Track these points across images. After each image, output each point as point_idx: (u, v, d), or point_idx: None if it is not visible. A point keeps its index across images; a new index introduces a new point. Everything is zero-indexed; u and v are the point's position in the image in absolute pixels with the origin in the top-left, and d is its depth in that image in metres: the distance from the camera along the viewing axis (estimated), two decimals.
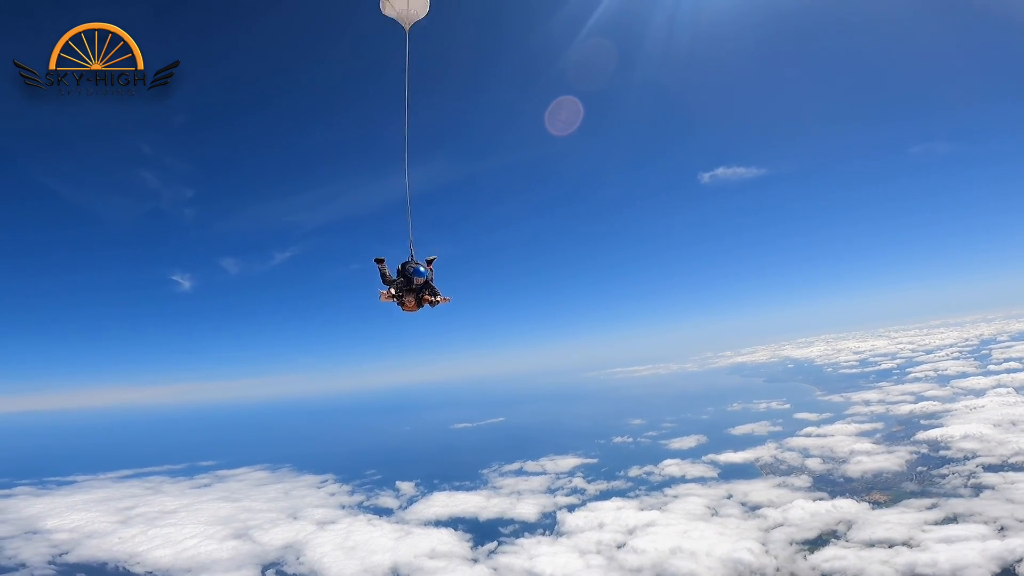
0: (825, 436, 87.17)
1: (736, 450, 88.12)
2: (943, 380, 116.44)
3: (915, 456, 69.51)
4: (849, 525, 53.31)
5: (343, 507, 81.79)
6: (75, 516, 78.04)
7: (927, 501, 55.20)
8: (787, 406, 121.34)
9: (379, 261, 10.95)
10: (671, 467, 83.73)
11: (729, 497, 67.64)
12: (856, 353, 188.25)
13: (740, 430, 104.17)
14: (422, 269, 10.66)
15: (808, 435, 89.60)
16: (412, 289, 10.50)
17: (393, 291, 10.60)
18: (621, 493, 75.62)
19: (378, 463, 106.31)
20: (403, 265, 10.76)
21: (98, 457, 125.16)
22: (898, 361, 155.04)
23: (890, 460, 69.70)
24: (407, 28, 9.00)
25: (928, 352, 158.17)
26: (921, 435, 76.32)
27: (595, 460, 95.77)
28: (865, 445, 78.09)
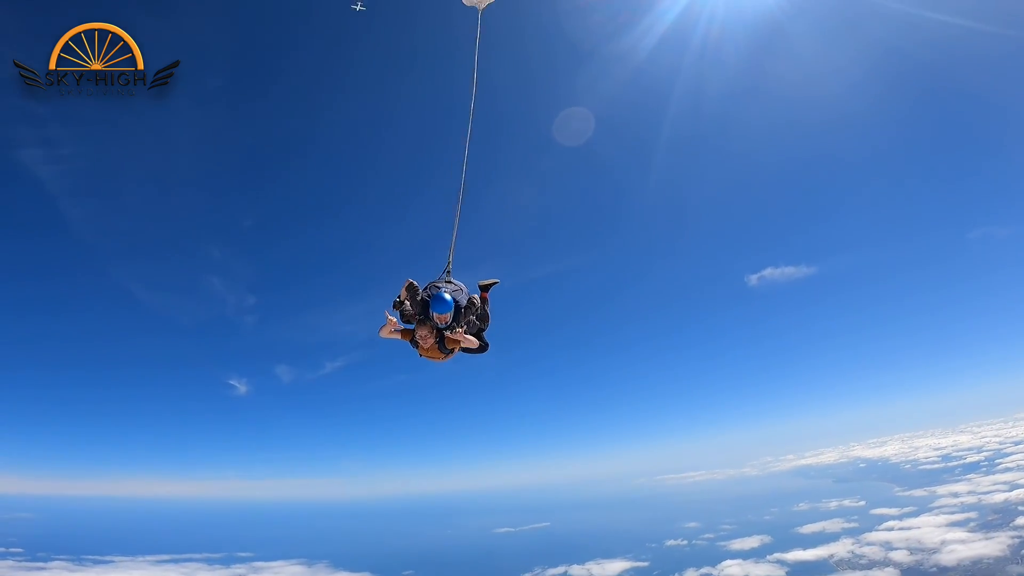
0: (910, 529, 77.55)
1: (806, 548, 79.32)
2: None
3: (1017, 540, 60.88)
4: None
5: None
6: None
7: None
8: (862, 503, 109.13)
9: (410, 289, 7.36)
10: (732, 568, 76.26)
11: None
12: (936, 449, 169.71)
13: (809, 528, 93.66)
14: (447, 296, 7.01)
15: (890, 529, 79.89)
16: (428, 321, 6.98)
17: (404, 324, 7.24)
18: None
19: (416, 564, 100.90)
20: (429, 285, 7.43)
21: (139, 540, 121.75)
22: (985, 454, 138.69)
23: (989, 546, 61.29)
24: (481, 9, 8.77)
25: (1016, 443, 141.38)
26: (1021, 520, 67.18)
27: (646, 563, 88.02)
28: (958, 534, 69.06)
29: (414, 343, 7.14)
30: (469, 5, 8.88)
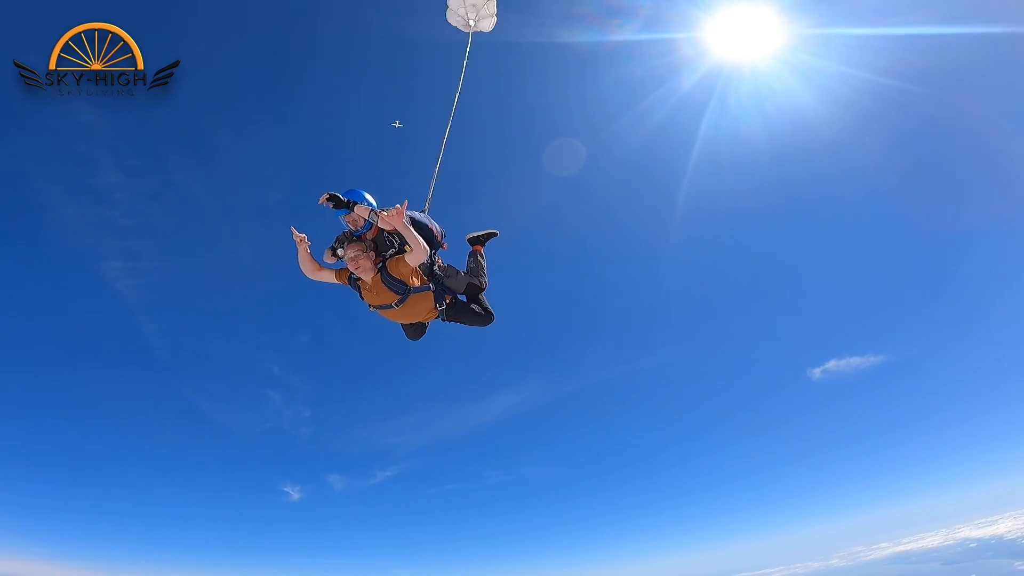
0: None
1: None
2: None
3: None
4: None
5: None
6: None
7: None
8: None
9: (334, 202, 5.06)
10: None
11: None
12: None
13: None
14: (367, 196, 5.20)
15: None
16: (355, 242, 5.11)
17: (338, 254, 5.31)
18: None
19: None
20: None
21: None
22: None
23: None
24: (472, 33, 8.03)
25: None
26: None
27: None
28: None
29: (354, 284, 5.11)
30: (465, 31, 7.95)
